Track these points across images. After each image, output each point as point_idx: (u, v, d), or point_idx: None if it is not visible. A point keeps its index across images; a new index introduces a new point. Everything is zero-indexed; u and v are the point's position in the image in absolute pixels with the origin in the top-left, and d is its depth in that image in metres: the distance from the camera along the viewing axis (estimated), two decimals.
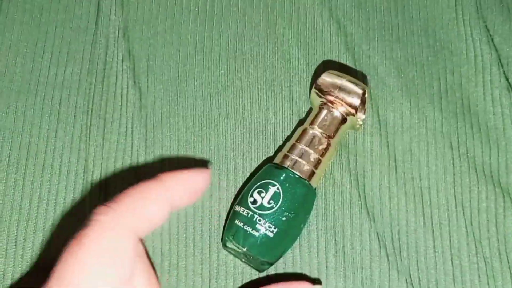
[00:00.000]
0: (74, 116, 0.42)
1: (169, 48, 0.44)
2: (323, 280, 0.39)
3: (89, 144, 0.42)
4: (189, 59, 0.44)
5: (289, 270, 0.40)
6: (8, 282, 0.39)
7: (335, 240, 0.40)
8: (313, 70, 0.44)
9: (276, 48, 0.45)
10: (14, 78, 0.43)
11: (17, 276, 0.39)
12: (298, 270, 0.40)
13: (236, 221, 0.38)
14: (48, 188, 0.40)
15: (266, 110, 0.43)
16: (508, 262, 0.40)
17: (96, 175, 0.41)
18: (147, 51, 0.44)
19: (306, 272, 0.40)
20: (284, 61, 0.44)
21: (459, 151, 0.42)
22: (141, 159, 0.41)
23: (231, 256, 0.40)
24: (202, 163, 0.42)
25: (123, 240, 0.31)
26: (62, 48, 0.44)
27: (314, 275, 0.39)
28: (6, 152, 0.41)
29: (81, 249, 0.29)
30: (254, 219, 0.37)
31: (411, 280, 0.39)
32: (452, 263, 0.40)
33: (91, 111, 0.42)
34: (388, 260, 0.40)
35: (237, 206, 0.38)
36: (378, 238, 0.40)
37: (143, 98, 0.43)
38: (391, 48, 0.45)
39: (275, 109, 0.43)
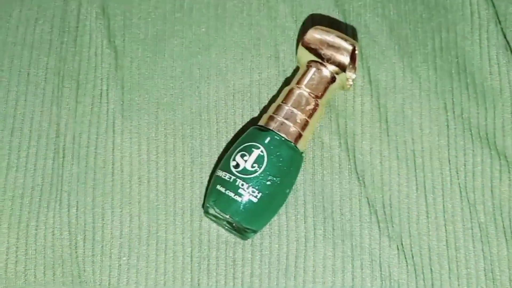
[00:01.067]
0: (45, 78, 0.40)
1: (146, 4, 0.42)
2: (310, 247, 0.37)
3: (61, 107, 0.39)
4: (168, 17, 0.41)
5: (275, 238, 0.38)
6: None
7: (323, 206, 0.38)
8: (300, 28, 0.42)
9: (262, 5, 0.42)
10: None
11: None
12: (284, 238, 0.38)
13: (218, 186, 0.35)
14: (17, 154, 0.38)
15: (250, 70, 0.41)
16: (504, 228, 0.38)
17: (69, 141, 0.38)
18: (123, 8, 0.41)
19: (293, 240, 0.38)
20: (270, 18, 0.42)
21: (453, 112, 0.40)
22: (118, 123, 0.39)
23: (214, 225, 0.38)
24: (181, 126, 0.39)
25: None
26: (32, 5, 0.41)
27: (301, 243, 0.38)
28: None
29: None
30: (237, 183, 0.35)
31: (402, 247, 0.38)
32: (445, 229, 0.38)
33: (63, 72, 0.40)
34: (379, 226, 0.38)
35: (219, 170, 0.36)
36: (369, 204, 0.38)
37: (119, 58, 0.40)
38: (383, 4, 0.42)
39: (260, 69, 0.41)
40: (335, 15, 0.42)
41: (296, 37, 0.42)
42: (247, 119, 0.40)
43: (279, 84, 0.41)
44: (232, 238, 0.38)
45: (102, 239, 0.37)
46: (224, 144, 0.39)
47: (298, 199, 0.38)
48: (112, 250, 0.37)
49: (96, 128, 0.39)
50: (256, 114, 0.40)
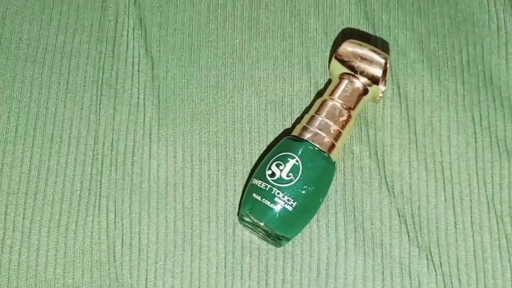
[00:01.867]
0: (84, 85, 0.41)
1: (182, 16, 0.43)
2: (342, 256, 0.38)
3: (99, 115, 0.40)
4: (203, 28, 0.42)
5: (307, 246, 0.38)
6: (15, 256, 0.37)
7: (354, 215, 0.39)
8: (331, 40, 0.43)
9: (293, 18, 0.43)
10: (21, 46, 0.41)
11: (24, 250, 0.38)
12: (316, 246, 0.38)
13: (254, 195, 0.36)
14: (57, 159, 0.39)
15: (283, 81, 0.42)
16: None
17: (107, 147, 0.39)
18: (159, 19, 0.42)
19: (324, 248, 0.38)
20: (302, 31, 0.43)
21: (481, 125, 0.41)
22: (154, 131, 0.40)
23: (247, 232, 0.39)
24: (215, 135, 0.40)
25: None
26: (70, 14, 0.42)
27: (332, 251, 0.38)
28: (14, 123, 0.39)
29: None
30: (273, 192, 0.36)
31: (431, 256, 0.38)
32: (473, 240, 0.39)
33: (102, 81, 0.41)
34: (409, 236, 0.39)
35: (254, 179, 0.37)
36: (398, 214, 0.39)
37: (155, 68, 0.41)
38: (411, 18, 0.43)
39: (292, 80, 0.42)
40: (365, 28, 0.43)
41: (326, 49, 0.43)
42: (279, 129, 0.41)
43: (311, 95, 0.42)
44: (264, 245, 0.38)
45: (139, 244, 0.38)
46: (257, 153, 0.40)
47: (329, 208, 0.39)
48: (148, 255, 0.38)
49: (133, 135, 0.40)
50: (288, 124, 0.41)
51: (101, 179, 0.39)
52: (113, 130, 0.40)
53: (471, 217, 0.39)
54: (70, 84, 0.41)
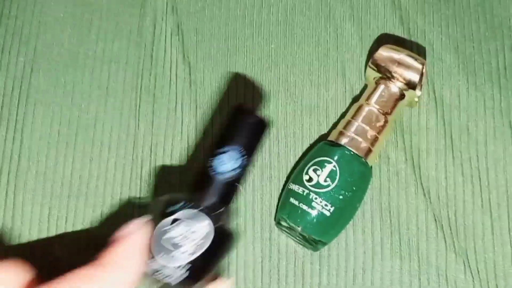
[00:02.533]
0: (123, 91, 0.41)
1: (218, 22, 0.43)
2: (378, 261, 0.38)
3: (138, 120, 0.41)
4: (239, 34, 0.43)
5: (342, 250, 0.39)
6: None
7: (390, 220, 0.39)
8: (366, 45, 0.43)
9: (328, 23, 0.43)
10: (62, 52, 0.42)
11: (66, 251, 0.38)
12: (352, 251, 0.39)
13: (291, 199, 0.37)
14: (98, 164, 0.40)
15: (318, 86, 0.42)
16: None
17: (146, 152, 0.40)
18: (196, 25, 0.43)
19: (360, 253, 0.39)
20: (337, 36, 0.43)
21: None
22: (191, 136, 0.41)
23: (283, 236, 0.39)
24: None
25: None
26: (109, 21, 0.43)
27: (368, 256, 0.39)
28: (56, 128, 0.40)
29: None
30: (310, 197, 0.36)
31: (468, 262, 0.38)
32: (511, 246, 0.39)
33: (140, 86, 0.41)
34: (445, 241, 0.39)
35: (292, 184, 0.37)
36: (435, 219, 0.39)
37: (192, 73, 0.42)
38: (447, 23, 0.43)
39: (327, 85, 0.42)
40: (400, 33, 0.43)
41: (361, 54, 0.43)
42: (314, 133, 0.41)
43: (346, 100, 0.42)
44: (301, 249, 0.39)
45: None
46: (292, 158, 0.41)
47: (365, 213, 0.39)
48: None
49: (171, 140, 0.40)
50: (323, 129, 0.41)
51: (140, 184, 0.39)
52: (152, 134, 0.40)
53: (508, 223, 0.39)
54: (110, 90, 0.41)
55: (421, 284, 0.38)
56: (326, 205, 0.36)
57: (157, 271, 0.30)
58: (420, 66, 0.38)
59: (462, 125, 0.41)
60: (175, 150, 0.40)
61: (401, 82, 0.38)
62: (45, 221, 0.39)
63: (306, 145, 0.41)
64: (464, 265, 0.38)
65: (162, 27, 0.43)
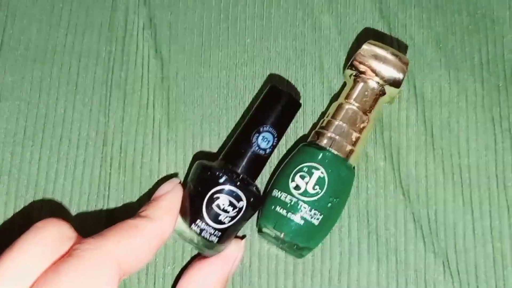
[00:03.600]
0: (93, 87, 0.40)
1: (192, 15, 0.42)
2: (354, 262, 0.37)
3: (108, 116, 0.39)
4: (214, 27, 0.42)
5: (318, 251, 0.37)
6: None
7: (368, 220, 0.38)
8: (345, 39, 0.41)
9: (306, 16, 0.42)
10: (30, 46, 0.41)
11: None
12: (327, 252, 0.37)
13: (278, 208, 0.35)
14: (66, 162, 0.38)
15: (295, 81, 0.41)
16: None
17: (116, 150, 0.39)
18: (169, 18, 0.42)
19: (336, 254, 0.37)
20: (315, 30, 0.42)
21: (501, 126, 0.40)
22: (163, 133, 0.39)
23: (255, 236, 0.38)
24: (226, 138, 0.39)
25: (105, 273, 0.28)
26: (79, 14, 0.41)
27: (344, 257, 0.37)
28: (22, 124, 0.39)
29: (58, 278, 0.27)
30: (299, 206, 0.34)
31: (448, 263, 0.37)
32: (492, 246, 0.38)
33: (111, 82, 0.40)
34: (424, 242, 0.37)
35: (276, 191, 0.36)
36: (414, 219, 0.38)
37: (165, 69, 0.40)
38: (429, 16, 0.42)
39: (305, 81, 0.41)
40: (380, 26, 0.42)
41: (340, 48, 0.41)
42: (292, 131, 0.40)
43: (323, 96, 0.40)
44: (274, 250, 0.38)
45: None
46: (272, 159, 0.39)
47: (343, 213, 0.38)
48: (157, 260, 0.37)
49: (142, 137, 0.39)
50: (300, 125, 0.40)
51: (109, 182, 0.38)
52: (122, 132, 0.39)
53: (491, 222, 0.38)
54: (79, 85, 0.40)
55: (399, 285, 0.37)
56: (315, 214, 0.34)
57: (201, 230, 0.33)
58: (405, 65, 0.36)
59: (443, 121, 0.40)
60: (146, 148, 0.39)
61: (384, 79, 0.37)
62: (9, 222, 0.37)
63: (284, 145, 0.39)
64: (444, 266, 0.37)
65: (134, 21, 0.41)
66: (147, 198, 0.38)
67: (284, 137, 0.39)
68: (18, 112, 0.39)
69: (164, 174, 0.39)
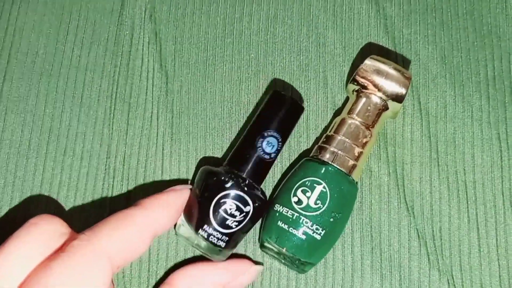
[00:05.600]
0: (98, 100, 0.40)
1: (197, 30, 0.42)
2: (357, 278, 0.37)
3: (112, 129, 0.40)
4: (218, 42, 0.42)
5: (321, 267, 0.37)
6: None
7: (371, 236, 0.37)
8: (349, 55, 0.42)
9: (311, 31, 0.42)
10: (37, 60, 0.41)
11: None
12: (330, 268, 0.37)
13: (279, 223, 0.35)
14: (69, 173, 0.39)
15: (298, 96, 0.41)
16: None
17: (119, 162, 0.39)
18: (174, 33, 0.42)
19: (339, 269, 0.37)
20: (319, 45, 0.42)
21: (507, 143, 0.39)
22: (167, 146, 0.39)
23: (258, 251, 0.37)
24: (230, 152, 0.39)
25: (97, 268, 0.28)
26: (86, 29, 0.42)
27: (348, 272, 0.37)
28: (27, 136, 0.39)
29: (48, 274, 0.27)
30: (300, 221, 0.34)
31: (453, 281, 0.37)
32: (498, 264, 0.37)
33: (116, 95, 0.40)
34: (429, 259, 0.37)
35: (278, 205, 0.35)
36: (418, 235, 0.37)
37: (169, 82, 0.41)
38: (434, 32, 0.42)
39: (309, 96, 0.41)
40: (385, 42, 0.42)
41: (344, 63, 0.41)
42: (295, 146, 0.40)
43: (327, 112, 0.40)
44: (277, 265, 0.37)
45: (149, 260, 0.37)
46: (275, 173, 0.39)
47: (345, 228, 0.38)
48: (157, 272, 0.37)
49: (146, 150, 0.39)
50: (303, 140, 0.40)
51: (112, 194, 0.38)
52: (126, 144, 0.39)
53: (497, 240, 0.37)
54: (85, 98, 0.40)
55: None
56: (317, 229, 0.34)
57: (209, 235, 0.34)
58: (407, 80, 0.36)
59: (448, 137, 0.39)
60: (149, 160, 0.39)
61: (387, 94, 0.36)
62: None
63: (287, 160, 0.39)
64: (449, 284, 0.36)
65: (140, 35, 0.42)
66: None
67: (287, 152, 0.39)
68: (24, 124, 0.40)
69: (166, 187, 0.38)
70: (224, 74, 0.41)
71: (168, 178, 0.39)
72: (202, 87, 0.41)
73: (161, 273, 0.37)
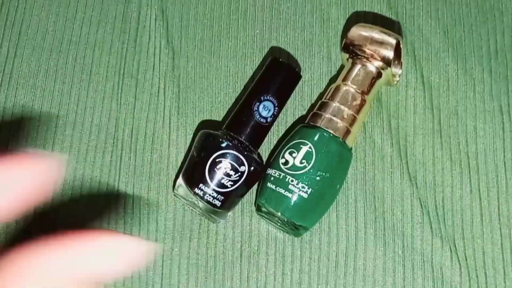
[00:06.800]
0: (106, 75, 0.41)
1: (203, 7, 0.43)
2: (361, 246, 0.37)
3: (120, 103, 0.40)
4: (224, 19, 0.43)
5: (325, 236, 0.38)
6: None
7: (375, 205, 0.38)
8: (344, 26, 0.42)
9: (315, 7, 0.43)
10: (47, 37, 0.42)
11: (42, 234, 0.38)
12: (334, 236, 0.38)
13: (268, 184, 0.36)
14: (78, 146, 0.40)
15: (303, 70, 0.41)
16: None
17: (127, 135, 0.40)
18: (181, 10, 0.43)
19: (343, 238, 0.38)
20: (323, 21, 0.42)
21: (509, 114, 0.40)
22: (173, 120, 0.40)
23: (263, 221, 0.38)
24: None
25: None
26: (94, 6, 0.43)
27: (351, 241, 0.37)
28: (37, 111, 0.40)
29: None
30: (287, 180, 0.35)
31: (455, 249, 0.37)
32: (500, 233, 0.37)
33: (123, 71, 0.41)
34: (431, 227, 0.37)
35: (269, 169, 0.37)
36: (421, 205, 0.38)
37: (176, 58, 0.42)
38: (436, 7, 0.42)
39: (312, 70, 0.41)
40: (388, 17, 0.42)
41: None
42: (296, 115, 0.40)
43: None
44: (281, 234, 0.38)
45: (156, 231, 0.38)
46: (275, 142, 0.40)
47: (349, 198, 0.38)
48: (165, 241, 0.38)
49: (153, 124, 0.40)
50: (305, 110, 0.40)
51: (120, 166, 0.39)
52: (133, 118, 0.40)
53: (499, 209, 0.38)
54: (93, 74, 0.41)
55: (405, 270, 0.37)
56: (303, 187, 0.35)
57: (204, 194, 0.35)
58: (394, 42, 0.37)
59: (451, 109, 0.40)
60: (156, 134, 0.40)
61: (376, 60, 0.37)
62: None
63: (288, 128, 0.40)
64: (451, 251, 0.37)
65: (147, 13, 0.43)
66: (157, 182, 0.39)
67: (286, 123, 0.40)
68: (34, 99, 0.41)
69: (173, 159, 0.39)
70: (229, 50, 0.42)
71: (175, 151, 0.40)
72: (208, 63, 0.42)
73: (168, 243, 0.38)
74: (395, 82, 0.39)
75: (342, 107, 0.36)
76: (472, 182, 0.38)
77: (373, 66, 0.37)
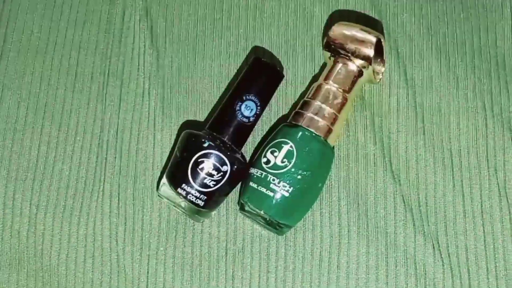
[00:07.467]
0: (91, 76, 0.41)
1: (187, 7, 0.43)
2: (344, 244, 0.38)
3: (105, 104, 0.41)
4: (208, 19, 0.43)
5: (309, 234, 0.38)
6: (23, 241, 0.38)
7: (358, 203, 0.38)
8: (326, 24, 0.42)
9: (298, 6, 0.43)
10: (32, 38, 0.42)
11: (31, 235, 0.38)
12: (318, 234, 0.38)
13: (251, 183, 0.36)
14: (64, 148, 0.40)
15: (286, 70, 0.41)
16: None
17: (113, 136, 0.40)
18: (165, 11, 0.43)
19: (327, 236, 0.38)
20: (306, 20, 0.43)
21: (492, 111, 0.40)
22: (158, 120, 0.40)
23: (248, 220, 0.38)
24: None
25: None
26: (79, 8, 0.43)
27: (335, 239, 0.38)
28: (23, 113, 0.41)
29: None
30: (268, 179, 0.35)
31: (438, 245, 0.37)
32: (483, 229, 0.38)
33: (108, 71, 0.41)
34: (414, 225, 0.38)
35: (251, 168, 0.37)
36: (404, 202, 0.38)
37: (160, 58, 0.42)
38: (420, 4, 0.43)
39: (296, 69, 0.42)
40: (371, 15, 0.42)
41: None
42: (279, 115, 0.41)
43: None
44: (265, 233, 0.38)
45: (141, 230, 0.38)
46: (258, 142, 0.40)
47: (333, 196, 0.39)
48: (150, 241, 0.38)
49: (138, 124, 0.40)
50: (289, 110, 0.41)
51: (105, 167, 0.39)
52: (118, 118, 0.40)
53: (481, 205, 0.38)
54: (78, 75, 0.42)
55: (388, 267, 0.37)
56: (284, 186, 0.35)
57: (187, 194, 0.35)
58: (374, 40, 0.37)
59: (433, 106, 0.40)
60: (141, 134, 0.40)
61: (357, 58, 0.37)
62: (9, 205, 0.39)
63: (270, 128, 0.40)
64: (434, 248, 0.37)
65: (131, 13, 0.43)
66: (142, 182, 0.39)
67: (271, 121, 0.40)
68: (20, 100, 0.41)
69: (158, 159, 0.40)
70: (213, 50, 0.42)
71: (160, 151, 0.40)
72: (192, 63, 0.42)
73: (154, 242, 0.38)
74: (378, 80, 0.39)
75: (323, 105, 0.37)
76: (455, 179, 0.39)
77: (354, 64, 0.37)
